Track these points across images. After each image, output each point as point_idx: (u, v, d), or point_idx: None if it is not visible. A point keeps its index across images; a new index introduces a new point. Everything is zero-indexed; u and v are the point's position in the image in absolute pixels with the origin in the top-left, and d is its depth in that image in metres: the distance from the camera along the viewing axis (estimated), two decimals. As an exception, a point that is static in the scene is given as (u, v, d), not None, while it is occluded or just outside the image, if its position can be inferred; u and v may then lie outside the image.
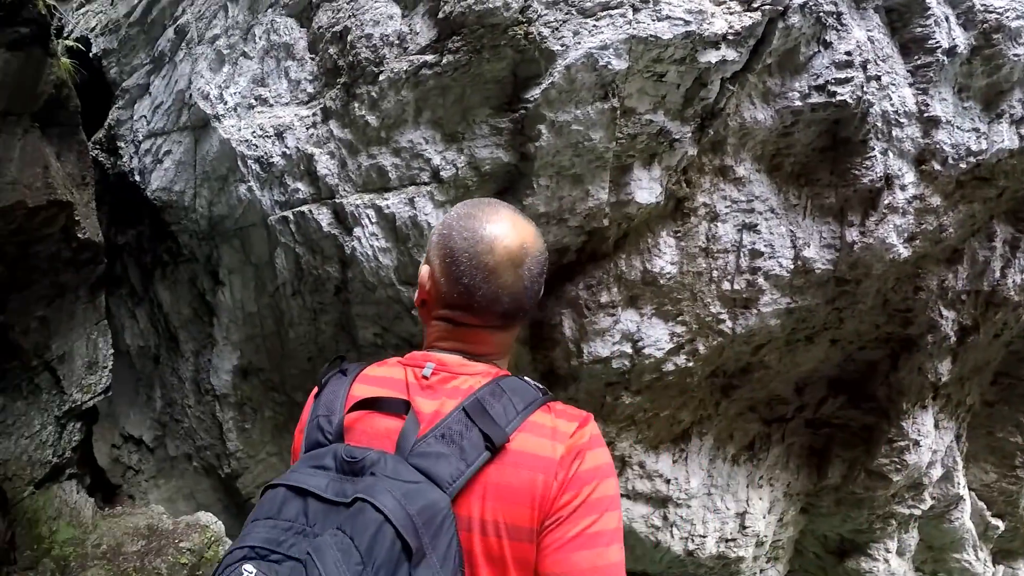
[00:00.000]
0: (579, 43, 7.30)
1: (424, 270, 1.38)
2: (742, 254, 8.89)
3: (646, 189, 8.52)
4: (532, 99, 7.91)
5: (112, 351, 10.36)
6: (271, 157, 10.00)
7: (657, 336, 9.22)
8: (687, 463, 10.66)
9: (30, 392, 9.49)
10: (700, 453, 10.76)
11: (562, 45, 7.36)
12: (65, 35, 10.14)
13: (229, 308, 11.93)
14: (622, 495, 10.37)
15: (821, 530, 10.88)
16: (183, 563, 8.50)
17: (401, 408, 1.19)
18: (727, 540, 10.82)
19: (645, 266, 8.89)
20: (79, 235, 8.81)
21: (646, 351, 9.22)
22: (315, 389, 1.31)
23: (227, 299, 11.93)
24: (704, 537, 10.79)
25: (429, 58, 7.56)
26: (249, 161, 10.26)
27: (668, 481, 10.44)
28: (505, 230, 1.33)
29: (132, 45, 12.44)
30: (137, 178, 12.46)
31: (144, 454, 14.71)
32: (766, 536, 10.91)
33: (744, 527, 10.81)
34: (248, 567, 1.00)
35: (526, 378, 1.29)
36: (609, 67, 6.97)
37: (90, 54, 11.76)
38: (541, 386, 1.27)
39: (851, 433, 10.11)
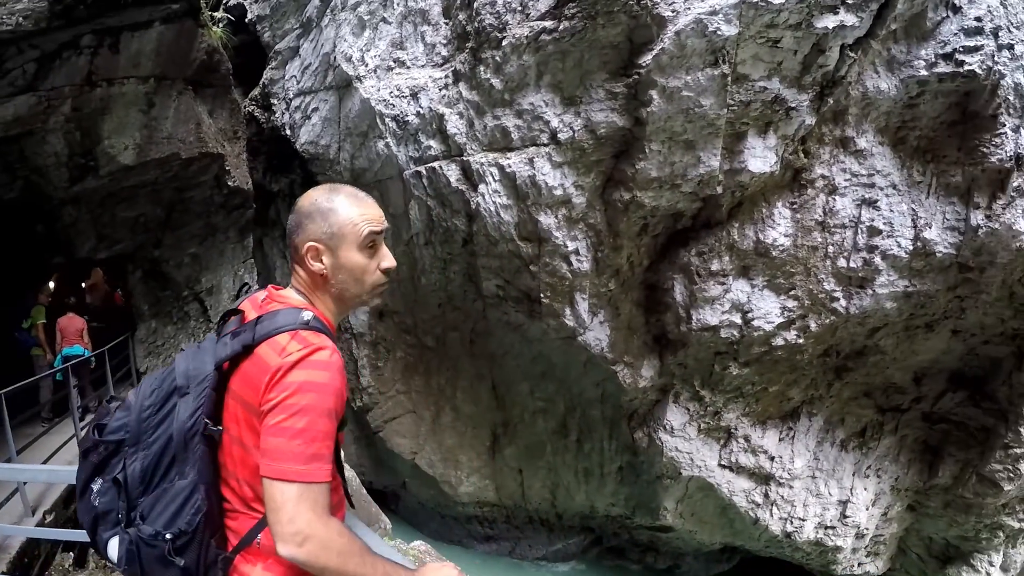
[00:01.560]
0: (689, 8, 7.07)
1: None
2: (860, 231, 8.45)
3: (760, 158, 8.19)
4: (645, 65, 7.80)
5: (257, 287, 11.46)
6: (406, 116, 10.46)
7: (767, 309, 8.99)
8: (793, 442, 10.39)
9: (180, 319, 10.75)
10: (808, 434, 10.45)
11: (672, 11, 7.15)
12: (222, 4, 11.03)
13: (368, 254, 12.62)
14: (726, 466, 10.30)
15: (927, 531, 10.19)
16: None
17: (239, 314, 1.75)
18: (826, 527, 10.47)
19: (758, 236, 8.60)
20: (229, 183, 9.80)
21: (755, 323, 9.03)
22: None
23: (367, 247, 12.62)
24: (803, 521, 10.52)
25: (548, 24, 7.50)
26: (387, 119, 10.79)
27: (772, 459, 10.25)
28: (307, 191, 1.82)
29: (283, 11, 13.25)
30: (288, 132, 13.41)
31: (289, 384, 16.05)
32: (867, 529, 10.45)
33: (845, 516, 10.39)
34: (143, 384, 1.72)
35: (306, 314, 1.67)
36: (719, 32, 6.74)
37: (245, 20, 12.67)
38: (310, 319, 1.66)
39: (968, 433, 9.35)
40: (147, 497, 1.57)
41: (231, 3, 14.23)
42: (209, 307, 10.85)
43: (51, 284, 10.34)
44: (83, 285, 12.40)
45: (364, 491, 10.25)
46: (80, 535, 3.88)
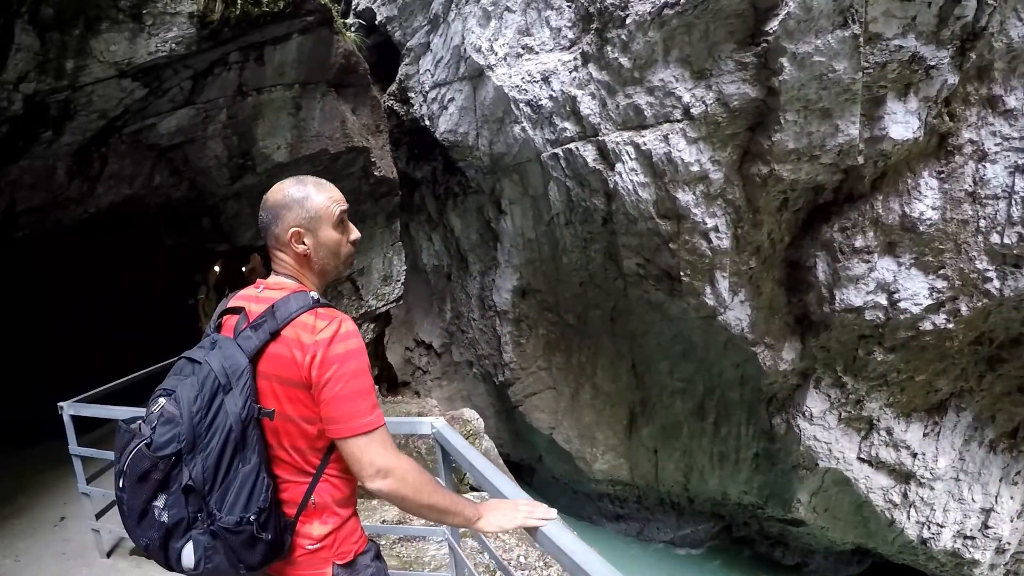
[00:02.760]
0: (809, -34, 6.68)
1: None
2: (1014, 201, 7.88)
3: (901, 123, 7.80)
4: (772, 31, 7.61)
5: (405, 268, 12.10)
6: (539, 100, 10.65)
7: (915, 289, 8.56)
8: (938, 439, 9.78)
9: (334, 298, 11.48)
10: (955, 431, 9.81)
11: (792, -29, 6.79)
12: (352, 10, 11.57)
13: (511, 235, 13.02)
14: (865, 460, 9.87)
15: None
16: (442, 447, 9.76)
17: (239, 311, 1.93)
18: (965, 537, 9.75)
19: (904, 210, 8.20)
20: (375, 173, 10.36)
21: (902, 304, 8.63)
22: None
23: (509, 227, 13.02)
24: (942, 527, 9.85)
25: (669, -2, 7.20)
26: (521, 104, 11.03)
27: (915, 455, 9.70)
28: (273, 187, 2.01)
29: (410, 11, 13.75)
30: (427, 123, 13.91)
31: (432, 358, 16.71)
32: (1009, 543, 9.62)
33: (987, 527, 9.63)
34: (161, 399, 1.79)
35: (313, 294, 1.93)
36: (845, -11, 6.25)
37: (375, 22, 13.25)
38: (318, 298, 1.92)
39: None
40: (215, 493, 1.73)
41: (360, 8, 15.05)
42: (360, 287, 11.56)
43: (216, 268, 11.34)
44: (243, 269, 13.56)
45: (502, 462, 10.59)
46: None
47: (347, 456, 1.83)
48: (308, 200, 1.96)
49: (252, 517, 1.75)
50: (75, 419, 5.21)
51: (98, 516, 5.36)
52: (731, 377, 11.02)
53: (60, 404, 5.18)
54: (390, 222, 11.69)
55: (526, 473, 15.75)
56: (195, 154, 7.99)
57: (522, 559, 5.82)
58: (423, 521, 5.34)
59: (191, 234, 9.96)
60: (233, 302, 2.00)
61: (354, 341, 1.86)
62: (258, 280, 2.04)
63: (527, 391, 13.74)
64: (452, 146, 13.53)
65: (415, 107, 14.48)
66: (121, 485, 1.74)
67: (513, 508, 2.09)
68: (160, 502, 1.71)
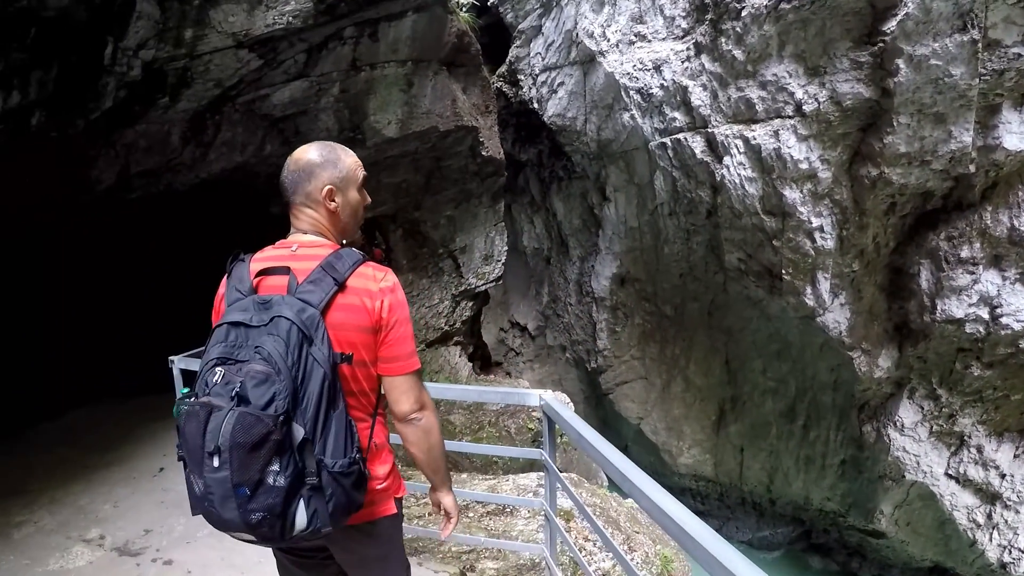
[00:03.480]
0: (931, -32, 6.53)
1: None
2: None
3: (1016, 133, 7.53)
4: (889, 31, 7.47)
5: (506, 248, 12.34)
6: (650, 88, 10.68)
7: (1018, 305, 8.26)
8: None
9: (434, 273, 11.81)
10: None
11: (913, -28, 6.64)
12: None
13: (613, 222, 13.13)
14: (953, 476, 9.52)
15: None
16: (529, 428, 9.94)
17: (285, 271, 1.93)
18: None
19: (1013, 223, 7.92)
20: (483, 153, 10.59)
21: (1004, 320, 8.34)
22: (225, 274, 2.03)
23: (612, 214, 13.13)
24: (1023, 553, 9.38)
25: (787, -9, 7.12)
26: (631, 92, 11.08)
27: (1003, 476, 9.31)
28: (296, 153, 2.11)
29: None
30: (536, 106, 14.10)
31: (526, 340, 16.97)
32: None
33: None
34: (217, 368, 1.72)
35: (353, 249, 2.03)
36: (964, -7, 6.13)
37: (488, 3, 13.49)
38: (361, 253, 2.02)
39: None
40: (319, 442, 1.75)
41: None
42: (461, 264, 11.81)
43: None
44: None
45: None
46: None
47: (396, 391, 2.02)
48: (340, 161, 2.11)
49: (357, 456, 1.83)
50: (183, 373, 5.27)
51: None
52: (824, 380, 10.79)
53: (171, 358, 5.30)
54: (494, 202, 11.90)
55: (609, 461, 15.68)
56: (306, 125, 8.21)
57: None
58: (517, 491, 5.55)
59: None
60: (265, 263, 1.98)
61: (402, 291, 2.06)
62: (280, 241, 2.08)
63: (618, 379, 13.81)
64: (560, 130, 13.69)
65: (524, 90, 14.71)
66: (217, 465, 1.61)
67: (454, 507, 2.35)
68: (276, 466, 1.64)
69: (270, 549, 2.19)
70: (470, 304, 12.58)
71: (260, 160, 8.10)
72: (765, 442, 12.14)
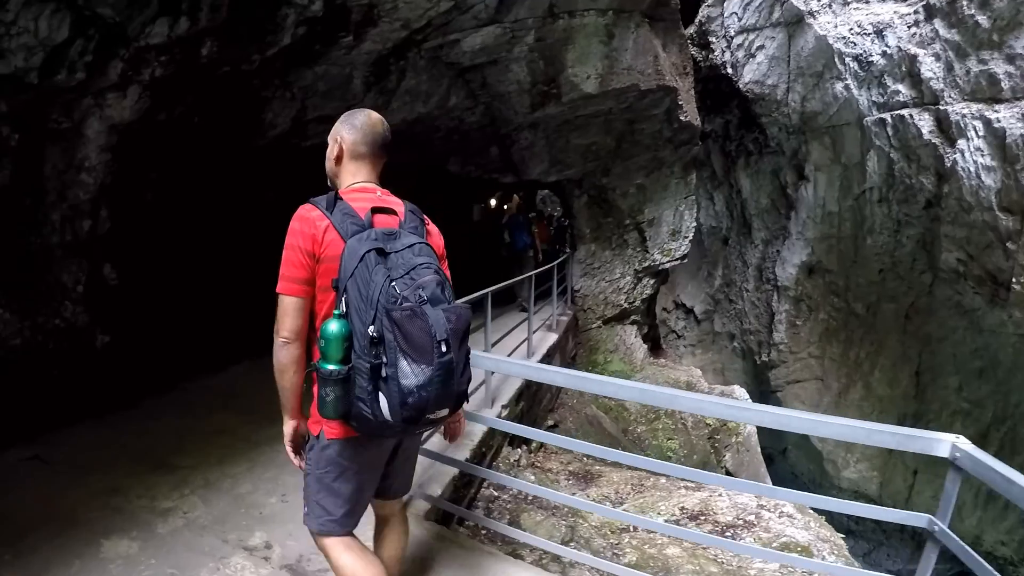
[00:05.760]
0: None
1: (335, 145, 2.32)
2: None
3: None
4: None
5: (694, 224, 11.55)
6: (870, 56, 9.60)
7: None
8: None
9: (618, 245, 11.20)
10: None
11: None
12: None
13: (809, 205, 12.09)
14: None
15: None
16: (707, 423, 9.38)
17: (391, 211, 2.21)
18: None
19: None
20: (680, 117, 9.79)
21: None
22: (317, 213, 2.13)
23: (809, 195, 12.09)
24: None
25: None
26: (846, 59, 10.01)
27: None
28: (374, 113, 2.36)
29: None
30: (729, 71, 13.09)
31: (690, 323, 16.17)
32: None
33: None
34: (394, 284, 1.97)
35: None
36: None
37: None
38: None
39: None
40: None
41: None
42: (648, 238, 11.19)
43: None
44: (504, 206, 14.09)
45: (756, 440, 9.97)
46: (536, 432, 3.91)
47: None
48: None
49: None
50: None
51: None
52: (1029, 409, 9.45)
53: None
54: (686, 173, 11.13)
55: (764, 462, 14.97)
56: (495, 77, 7.82)
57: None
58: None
59: (476, 162, 10.01)
60: (373, 203, 2.22)
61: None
62: (363, 186, 2.31)
63: (791, 377, 12.87)
64: (756, 99, 12.65)
65: (715, 53, 13.63)
66: (445, 350, 1.93)
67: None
68: (467, 346, 2.12)
69: None
70: (651, 282, 11.92)
71: (443, 112, 7.85)
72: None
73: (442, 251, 2.35)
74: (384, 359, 1.91)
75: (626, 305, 11.55)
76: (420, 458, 2.97)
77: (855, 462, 12.13)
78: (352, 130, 2.29)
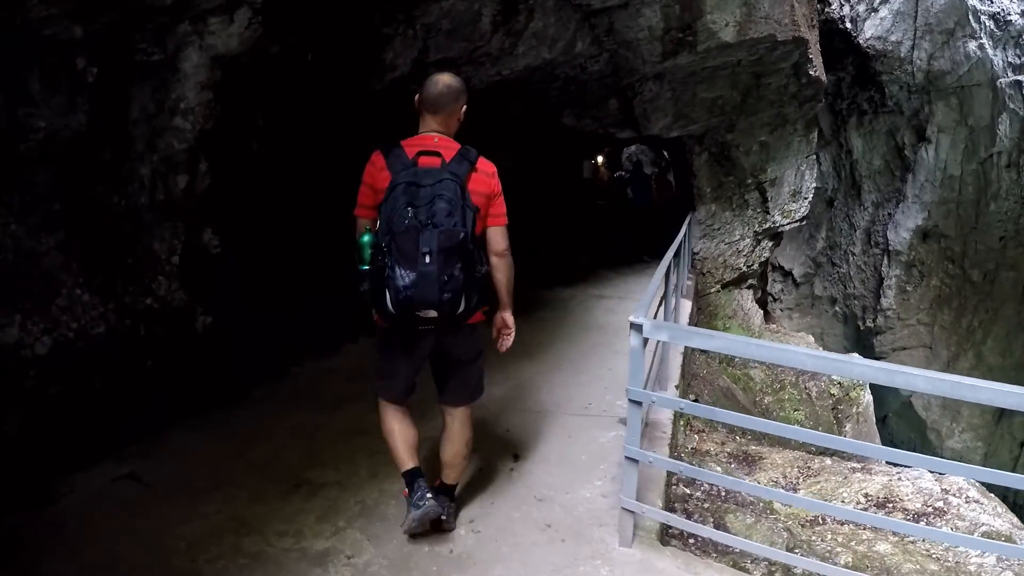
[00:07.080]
0: None
1: (418, 97, 2.78)
2: None
3: None
4: None
5: (815, 185, 11.21)
6: (1008, 15, 9.20)
7: None
8: None
9: (738, 206, 10.90)
10: None
11: None
12: None
13: (929, 167, 11.69)
14: None
15: None
16: (831, 393, 9.22)
17: (436, 154, 2.61)
18: None
19: None
20: (809, 71, 9.39)
21: None
22: (378, 155, 2.71)
23: (928, 158, 11.69)
24: None
25: None
26: (982, 16, 9.60)
27: None
28: (444, 75, 2.82)
29: None
30: (848, 25, 12.62)
31: (788, 286, 15.85)
32: None
33: None
34: (408, 208, 2.45)
35: (468, 146, 2.73)
36: None
37: None
38: (475, 150, 2.73)
39: None
40: (477, 256, 2.66)
41: None
42: (769, 198, 10.75)
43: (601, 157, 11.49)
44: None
45: (872, 411, 9.73)
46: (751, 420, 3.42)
47: (497, 235, 2.83)
48: (464, 91, 2.86)
49: (483, 269, 2.71)
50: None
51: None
52: None
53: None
54: (808, 131, 10.64)
55: (858, 432, 14.73)
56: (623, 22, 7.12)
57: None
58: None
59: (593, 115, 9.42)
60: (421, 148, 2.68)
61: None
62: (424, 135, 2.77)
63: (897, 344, 12.56)
64: (877, 56, 12.12)
65: (833, 6, 13.00)
66: (428, 261, 2.42)
67: (513, 323, 3.00)
68: (459, 264, 2.48)
69: None
70: (769, 244, 11.50)
71: (567, 60, 7.28)
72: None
73: (491, 189, 2.76)
74: (387, 264, 2.45)
75: (745, 268, 11.22)
76: (618, 459, 3.27)
77: (960, 432, 11.89)
78: (423, 89, 2.80)
